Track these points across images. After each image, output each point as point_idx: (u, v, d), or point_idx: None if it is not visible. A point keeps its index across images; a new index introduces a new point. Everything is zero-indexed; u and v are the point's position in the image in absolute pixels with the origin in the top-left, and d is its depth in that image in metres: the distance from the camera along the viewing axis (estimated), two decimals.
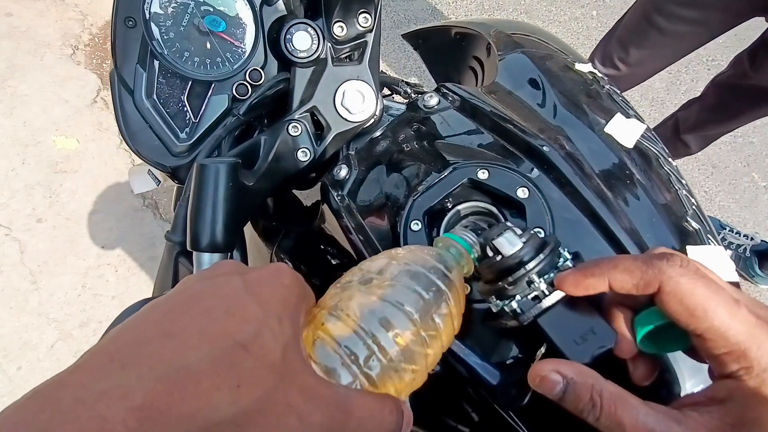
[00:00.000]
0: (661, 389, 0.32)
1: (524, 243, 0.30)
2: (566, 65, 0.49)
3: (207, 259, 0.41)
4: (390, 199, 0.47)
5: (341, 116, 0.53)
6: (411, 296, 0.26)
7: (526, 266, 0.29)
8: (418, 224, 0.42)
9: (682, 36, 0.99)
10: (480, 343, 0.37)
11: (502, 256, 0.30)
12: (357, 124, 0.54)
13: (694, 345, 0.25)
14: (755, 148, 1.89)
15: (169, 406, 0.16)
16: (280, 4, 0.53)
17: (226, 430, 0.17)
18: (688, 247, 0.37)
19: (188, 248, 0.40)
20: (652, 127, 1.46)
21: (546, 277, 0.29)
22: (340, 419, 0.20)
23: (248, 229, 0.60)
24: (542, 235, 0.39)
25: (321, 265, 0.53)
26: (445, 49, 0.73)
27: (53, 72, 1.89)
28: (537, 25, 0.61)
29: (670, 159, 0.42)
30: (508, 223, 0.32)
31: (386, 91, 0.71)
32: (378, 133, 0.55)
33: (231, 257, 0.42)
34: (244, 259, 0.47)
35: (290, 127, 0.52)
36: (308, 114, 0.53)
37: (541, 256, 0.29)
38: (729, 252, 1.59)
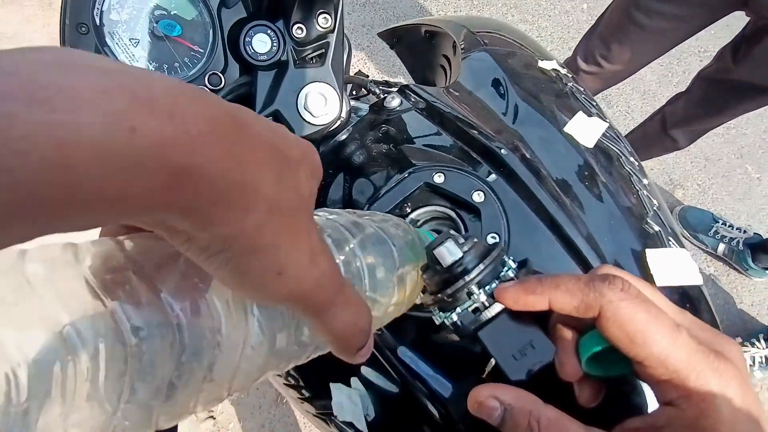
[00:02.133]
0: (630, 410, 0.31)
1: (465, 252, 0.29)
2: (529, 63, 0.48)
3: None
4: (353, 203, 0.46)
5: (304, 119, 0.52)
6: (386, 244, 0.27)
7: (465, 277, 0.28)
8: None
9: (662, 31, 0.98)
10: (432, 355, 0.36)
11: (442, 267, 0.29)
12: (321, 127, 0.52)
13: (635, 371, 0.24)
14: (748, 140, 1.87)
15: (235, 135, 0.14)
16: (239, 7, 0.52)
17: (259, 203, 0.15)
18: (647, 251, 0.36)
19: None
20: (641, 121, 1.45)
21: (487, 288, 0.28)
22: (334, 286, 0.19)
23: None
24: (497, 240, 0.38)
25: None
26: (418, 48, 0.72)
27: None
28: (504, 21, 0.60)
29: (632, 158, 0.41)
30: (452, 231, 0.31)
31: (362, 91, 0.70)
32: (344, 136, 0.54)
33: None
34: None
35: None
36: (271, 118, 0.52)
37: (482, 266, 0.28)
38: (723, 246, 1.58)
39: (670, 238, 0.37)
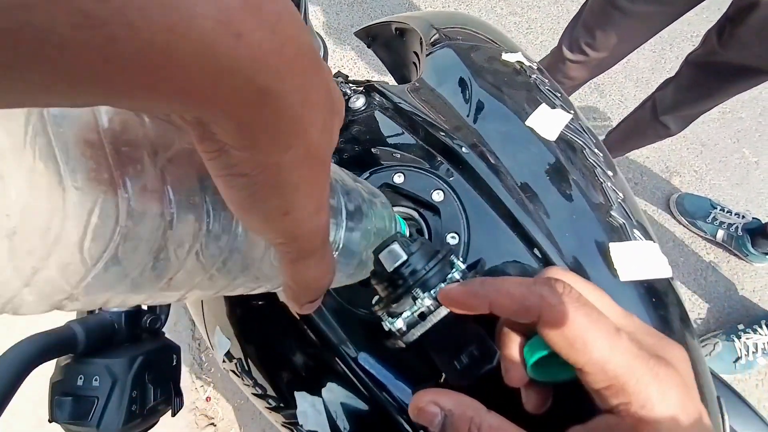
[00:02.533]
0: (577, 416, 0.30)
1: (411, 254, 0.28)
2: (493, 56, 0.46)
3: None
4: None
5: None
6: (369, 220, 0.28)
7: (409, 281, 0.27)
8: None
9: (645, 16, 0.96)
10: (393, 361, 0.35)
11: (386, 271, 0.28)
12: None
13: (578, 377, 0.23)
14: (744, 124, 1.84)
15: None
16: None
17: (283, 66, 0.13)
18: (611, 245, 0.35)
19: None
20: (633, 108, 1.43)
21: (433, 291, 0.27)
22: (320, 244, 0.19)
23: None
24: (456, 239, 0.37)
25: None
26: (392, 46, 0.71)
27: None
28: (471, 14, 0.59)
29: (597, 150, 0.40)
30: (399, 233, 0.30)
31: None
32: None
33: None
34: None
35: None
36: None
37: (426, 268, 0.27)
38: (722, 232, 1.56)
39: (636, 231, 0.36)
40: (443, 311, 0.27)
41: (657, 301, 0.34)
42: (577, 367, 0.22)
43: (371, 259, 0.29)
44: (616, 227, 0.36)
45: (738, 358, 1.39)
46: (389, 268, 0.28)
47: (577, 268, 0.34)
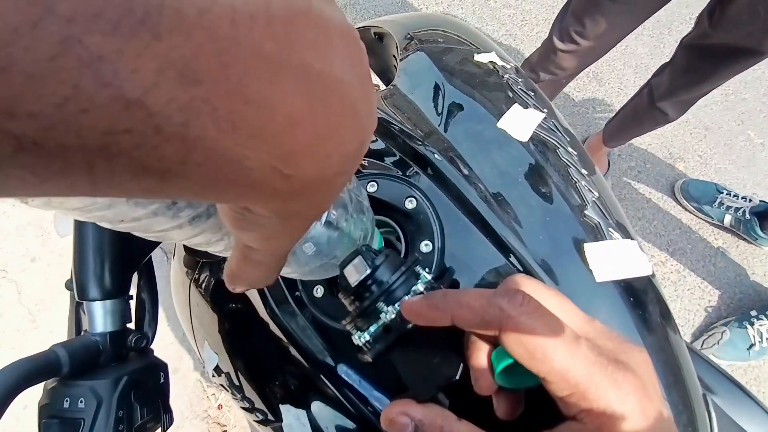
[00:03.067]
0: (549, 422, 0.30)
1: (376, 267, 0.28)
2: (465, 58, 0.46)
3: (99, 307, 0.39)
4: None
5: None
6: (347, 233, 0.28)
7: (374, 294, 0.27)
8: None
9: (633, 2, 0.94)
10: (371, 372, 0.35)
11: (350, 285, 0.28)
12: None
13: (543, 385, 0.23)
14: (748, 105, 1.81)
15: None
16: None
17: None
18: (586, 245, 0.35)
19: (77, 299, 0.39)
20: (630, 96, 1.41)
21: (397, 304, 0.27)
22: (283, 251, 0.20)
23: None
24: (430, 247, 0.36)
25: (240, 297, 0.51)
26: (373, 50, 0.71)
27: None
28: (447, 16, 0.59)
29: (570, 148, 0.39)
30: (363, 247, 0.30)
31: None
32: None
33: (127, 300, 0.41)
34: (154, 297, 0.46)
35: None
36: None
37: (389, 282, 0.27)
38: (729, 216, 1.53)
39: (611, 229, 0.36)
40: (409, 324, 0.26)
41: (635, 300, 0.34)
42: (540, 375, 0.22)
43: (339, 263, 0.29)
44: (591, 227, 0.36)
45: (752, 345, 1.36)
46: (353, 282, 0.28)
47: (551, 271, 0.34)
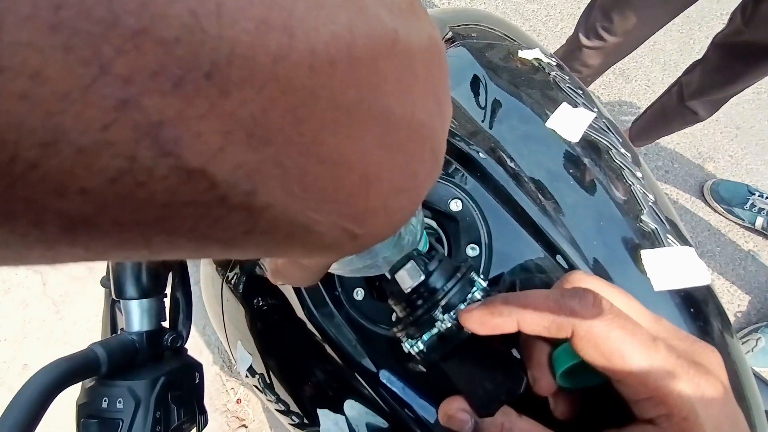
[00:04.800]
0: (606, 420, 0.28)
1: (429, 273, 0.27)
2: (509, 54, 0.44)
3: (136, 306, 0.39)
4: None
5: None
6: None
7: (428, 302, 0.26)
8: None
9: None
10: (416, 380, 0.34)
11: (404, 292, 0.27)
12: None
13: (614, 387, 0.22)
14: None
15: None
16: None
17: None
18: (642, 252, 0.33)
19: (113, 297, 0.39)
20: (658, 94, 1.37)
21: (453, 312, 0.26)
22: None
23: None
24: (477, 251, 0.35)
25: (274, 295, 0.50)
26: None
27: None
28: (486, 11, 0.57)
29: (624, 149, 0.37)
30: (416, 251, 0.29)
31: None
32: None
33: (162, 299, 0.41)
34: (188, 296, 0.45)
35: None
36: None
37: (445, 289, 0.26)
38: (762, 219, 1.48)
39: (669, 236, 0.34)
40: (465, 333, 0.25)
41: (696, 311, 0.32)
42: (615, 378, 0.21)
43: (386, 264, 0.28)
44: (647, 233, 0.34)
45: None
46: (406, 289, 0.26)
47: (607, 278, 0.32)
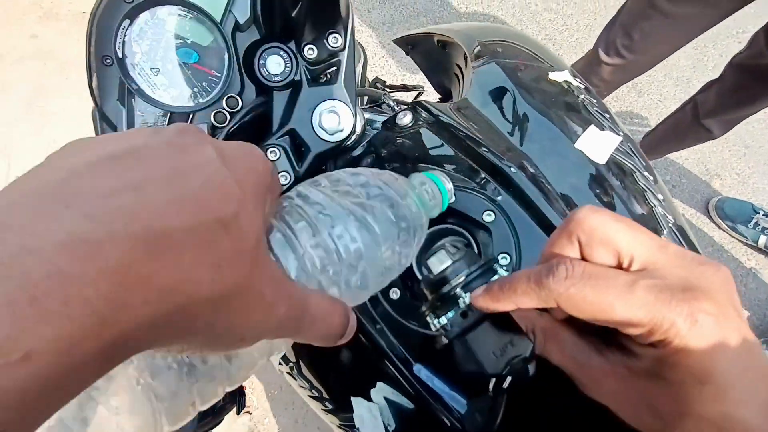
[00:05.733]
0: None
1: (454, 261, 0.31)
2: (539, 75, 0.47)
3: None
4: None
5: (319, 137, 0.53)
6: (382, 219, 0.27)
7: (452, 282, 0.30)
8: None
9: (687, 17, 0.93)
10: (447, 371, 0.37)
11: (433, 274, 0.31)
12: (336, 143, 0.54)
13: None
14: None
15: (150, 274, 0.14)
16: (253, 30, 0.53)
17: (204, 310, 0.16)
18: None
19: None
20: (672, 109, 1.39)
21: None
22: (298, 315, 0.21)
23: None
24: (508, 260, 0.38)
25: None
26: (433, 56, 0.72)
27: (79, 90, 1.97)
28: (517, 30, 0.59)
29: (646, 173, 0.40)
30: (446, 242, 0.33)
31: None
32: (359, 151, 0.55)
33: None
34: None
35: (268, 152, 0.52)
36: (288, 136, 0.54)
37: (466, 272, 0.30)
38: (765, 238, 1.50)
39: None
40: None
41: None
42: (611, 326, 0.23)
43: (382, 283, 0.30)
44: None
45: None
46: (435, 271, 0.31)
47: None
